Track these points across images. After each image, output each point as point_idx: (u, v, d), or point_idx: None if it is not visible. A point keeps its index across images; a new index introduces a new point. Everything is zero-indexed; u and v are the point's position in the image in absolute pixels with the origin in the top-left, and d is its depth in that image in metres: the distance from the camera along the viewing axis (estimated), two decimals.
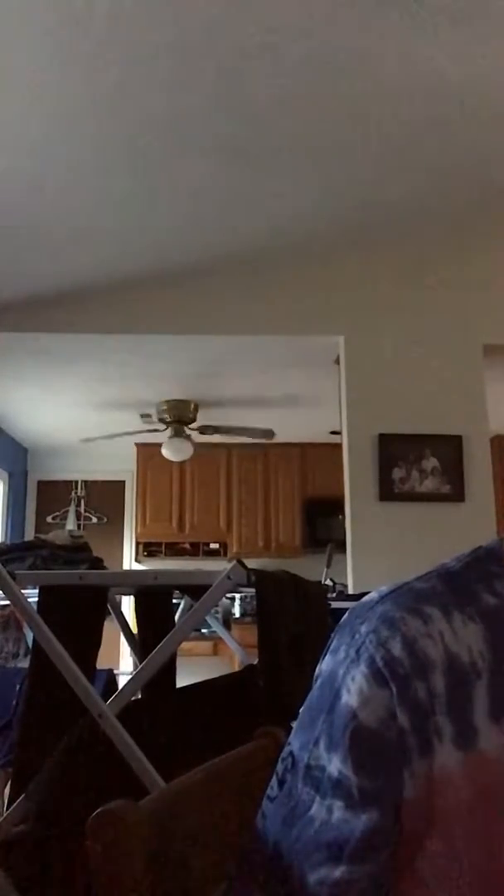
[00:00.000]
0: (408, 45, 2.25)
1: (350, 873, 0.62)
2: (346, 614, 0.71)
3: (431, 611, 0.66)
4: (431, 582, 0.70)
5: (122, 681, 2.45)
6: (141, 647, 2.41)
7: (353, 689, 0.64)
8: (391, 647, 0.64)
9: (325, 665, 0.69)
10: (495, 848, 0.62)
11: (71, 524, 6.42)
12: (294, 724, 0.70)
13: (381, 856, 0.63)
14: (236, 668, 3.48)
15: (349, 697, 0.64)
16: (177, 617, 2.54)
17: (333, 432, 5.08)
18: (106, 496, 6.75)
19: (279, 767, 0.69)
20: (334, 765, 0.64)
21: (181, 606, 2.58)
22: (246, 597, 5.80)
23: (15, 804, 1.71)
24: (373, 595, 0.71)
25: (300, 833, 0.64)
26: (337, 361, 3.77)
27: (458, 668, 0.64)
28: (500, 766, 0.63)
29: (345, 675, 0.65)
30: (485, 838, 0.62)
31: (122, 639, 2.84)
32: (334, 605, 2.35)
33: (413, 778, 0.62)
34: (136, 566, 6.43)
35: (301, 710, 0.69)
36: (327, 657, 0.69)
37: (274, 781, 0.69)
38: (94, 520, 6.68)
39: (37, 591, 1.90)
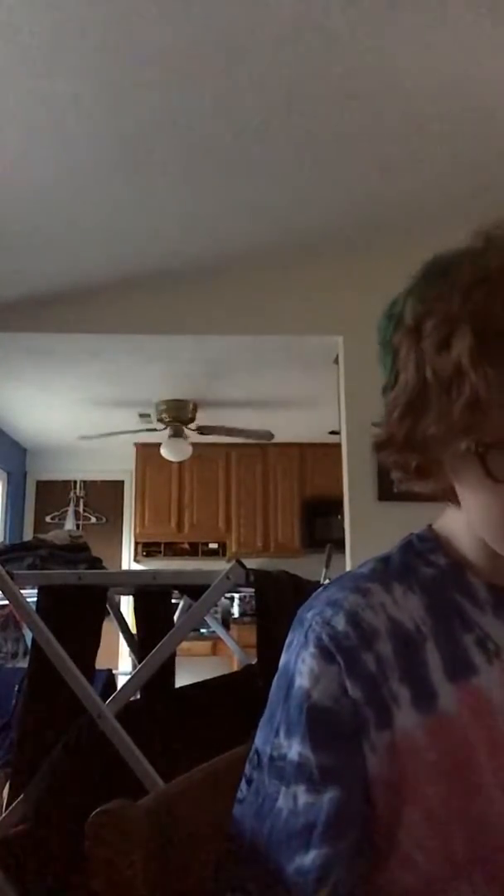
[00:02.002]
0: (411, 45, 2.25)
1: (322, 857, 0.61)
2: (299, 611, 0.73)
3: (371, 586, 0.69)
4: (370, 565, 0.72)
5: (120, 681, 2.45)
6: (140, 647, 2.41)
7: (305, 671, 0.66)
8: (335, 623, 0.66)
9: (280, 661, 0.70)
10: (467, 808, 0.62)
11: (70, 524, 6.41)
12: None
13: (352, 835, 0.63)
14: (235, 668, 3.47)
15: (301, 680, 0.65)
16: (176, 617, 2.54)
17: (332, 432, 5.08)
18: (105, 496, 6.75)
19: (246, 768, 0.69)
20: (294, 749, 0.64)
21: (180, 606, 2.58)
22: (245, 597, 5.80)
23: (14, 804, 1.71)
24: (319, 589, 0.74)
25: (272, 827, 0.64)
26: (336, 361, 3.77)
27: (403, 633, 0.66)
28: (462, 723, 0.63)
29: (296, 661, 0.67)
30: (459, 795, 0.62)
31: (121, 639, 2.83)
32: None
33: (374, 751, 0.63)
34: (135, 566, 6.43)
35: (265, 709, 0.70)
36: (283, 655, 0.70)
37: (242, 783, 0.68)
38: (93, 520, 6.68)
39: (36, 591, 1.90)
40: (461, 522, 0.70)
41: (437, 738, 0.63)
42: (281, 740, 0.66)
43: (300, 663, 0.66)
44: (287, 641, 0.70)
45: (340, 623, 0.66)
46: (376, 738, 0.63)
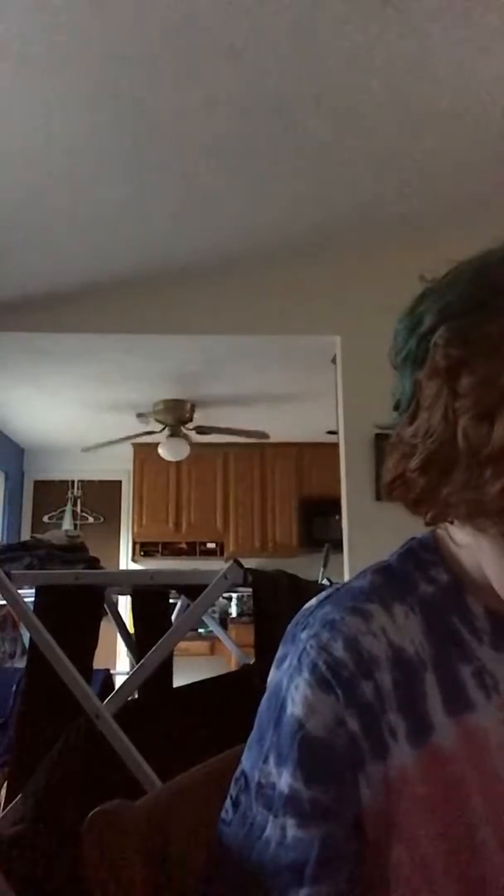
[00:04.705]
0: (405, 46, 2.25)
1: (314, 895, 0.59)
2: (290, 624, 0.68)
3: (371, 607, 0.64)
4: (367, 578, 0.68)
5: (118, 681, 2.45)
6: (137, 647, 2.41)
7: (298, 699, 0.62)
8: (333, 649, 0.62)
9: (270, 678, 0.67)
10: (458, 850, 0.59)
11: (67, 524, 6.41)
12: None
13: (344, 871, 0.60)
14: (233, 668, 3.48)
15: (294, 707, 0.62)
16: (173, 617, 2.54)
17: (330, 432, 5.09)
18: (102, 496, 6.75)
19: (233, 789, 0.66)
20: (284, 780, 0.61)
21: (178, 606, 2.58)
22: (243, 596, 5.81)
23: (12, 804, 1.71)
24: (312, 601, 0.69)
25: (259, 857, 0.61)
26: (333, 361, 3.77)
27: (404, 661, 0.62)
28: (457, 759, 0.60)
29: (289, 685, 0.63)
30: (447, 839, 0.59)
31: (119, 639, 2.84)
32: None
33: (369, 783, 0.60)
34: (133, 566, 6.42)
35: (254, 727, 0.67)
36: (273, 669, 0.67)
37: (228, 804, 0.66)
38: (91, 520, 6.67)
39: (33, 590, 1.90)
40: (465, 533, 0.64)
41: (430, 774, 0.60)
42: (270, 767, 0.62)
43: (293, 689, 0.62)
44: (278, 655, 0.67)
45: (339, 649, 0.62)
46: (371, 770, 0.60)
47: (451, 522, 0.63)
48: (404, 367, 0.64)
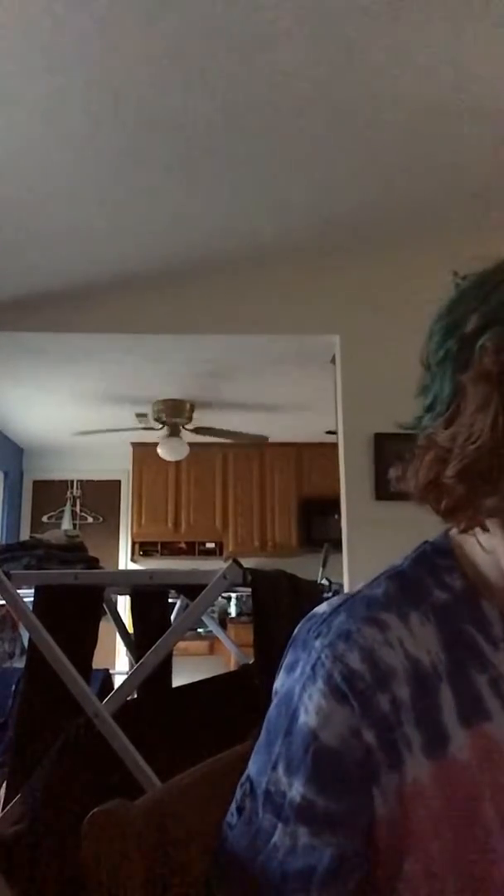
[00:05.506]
0: (408, 47, 2.25)
1: None
2: (298, 628, 0.67)
3: (387, 617, 0.63)
4: (382, 586, 0.67)
5: (118, 681, 2.45)
6: (136, 646, 2.41)
7: (311, 708, 0.61)
8: (349, 660, 0.61)
9: (280, 683, 0.66)
10: (469, 861, 0.58)
11: (66, 524, 6.41)
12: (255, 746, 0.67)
13: (353, 880, 0.60)
14: (232, 668, 3.48)
15: (307, 717, 0.61)
16: (172, 617, 2.54)
17: (329, 432, 5.08)
18: (101, 496, 6.75)
19: (237, 794, 0.66)
20: (295, 789, 0.61)
21: (177, 606, 2.58)
22: (242, 596, 5.81)
23: (11, 804, 1.71)
24: (324, 607, 0.68)
25: (266, 862, 0.61)
26: (333, 361, 3.77)
27: (421, 672, 0.62)
28: (471, 771, 0.59)
29: (301, 694, 0.62)
30: (458, 850, 0.59)
31: (118, 638, 2.83)
32: None
33: (383, 794, 0.60)
34: (132, 566, 6.42)
35: (261, 732, 0.66)
36: (282, 674, 0.66)
37: (233, 808, 0.65)
38: (90, 519, 6.67)
39: (32, 590, 1.90)
40: (498, 540, 0.63)
41: (444, 786, 0.59)
42: (280, 775, 0.62)
43: (306, 698, 0.62)
44: (289, 661, 0.66)
45: (355, 661, 0.61)
46: (386, 782, 0.60)
47: (486, 530, 0.62)
48: (442, 368, 0.63)
